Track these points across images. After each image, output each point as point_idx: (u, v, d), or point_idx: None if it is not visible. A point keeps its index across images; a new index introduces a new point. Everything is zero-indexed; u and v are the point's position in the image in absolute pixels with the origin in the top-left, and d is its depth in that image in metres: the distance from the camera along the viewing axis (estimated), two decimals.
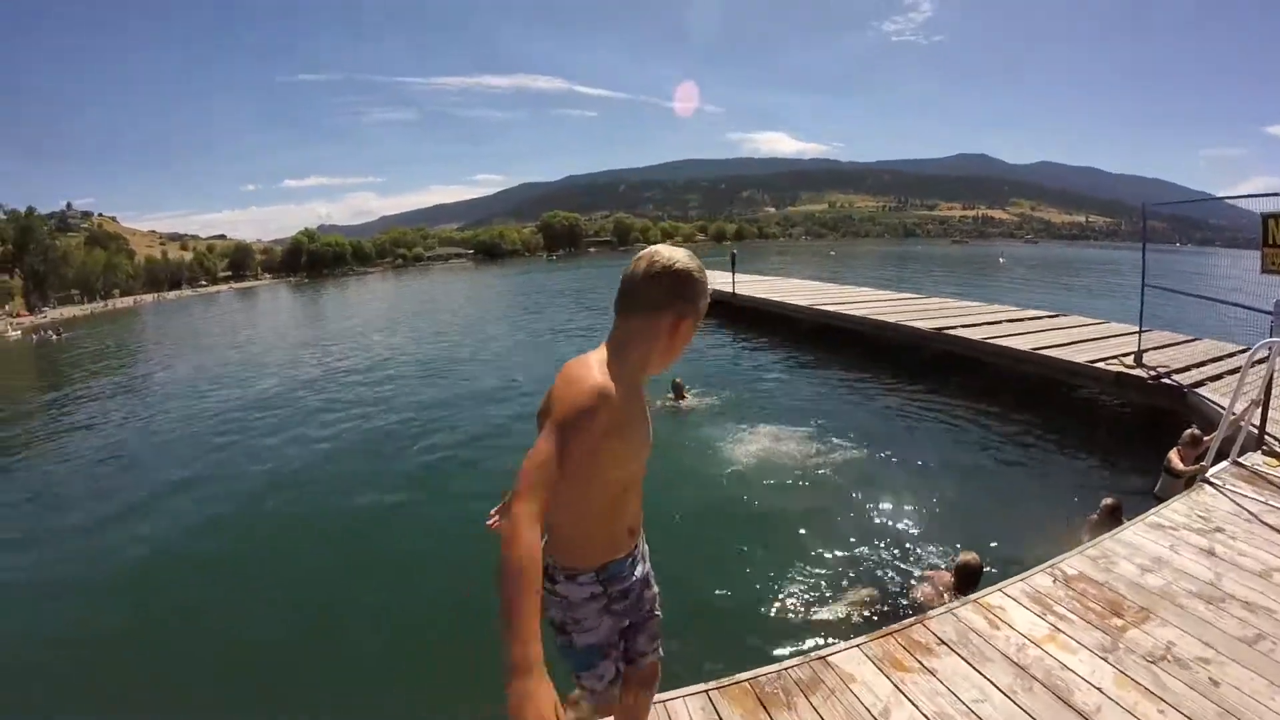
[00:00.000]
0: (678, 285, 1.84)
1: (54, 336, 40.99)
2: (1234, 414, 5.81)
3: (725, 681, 3.12)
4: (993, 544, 5.90)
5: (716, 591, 5.57)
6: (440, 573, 6.33)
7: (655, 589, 2.24)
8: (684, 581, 5.24)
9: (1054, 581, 3.94)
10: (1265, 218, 7.22)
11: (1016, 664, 3.19)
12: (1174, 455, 6.58)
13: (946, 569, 5.43)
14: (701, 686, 3.07)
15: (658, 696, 2.87)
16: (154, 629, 5.84)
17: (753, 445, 9.21)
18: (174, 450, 11.78)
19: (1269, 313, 7.20)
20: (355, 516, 8.10)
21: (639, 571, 2.12)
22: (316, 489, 9.27)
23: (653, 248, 1.90)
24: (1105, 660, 3.21)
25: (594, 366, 1.76)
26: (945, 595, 4.97)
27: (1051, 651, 3.28)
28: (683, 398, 11.19)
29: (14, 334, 48.31)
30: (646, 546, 2.23)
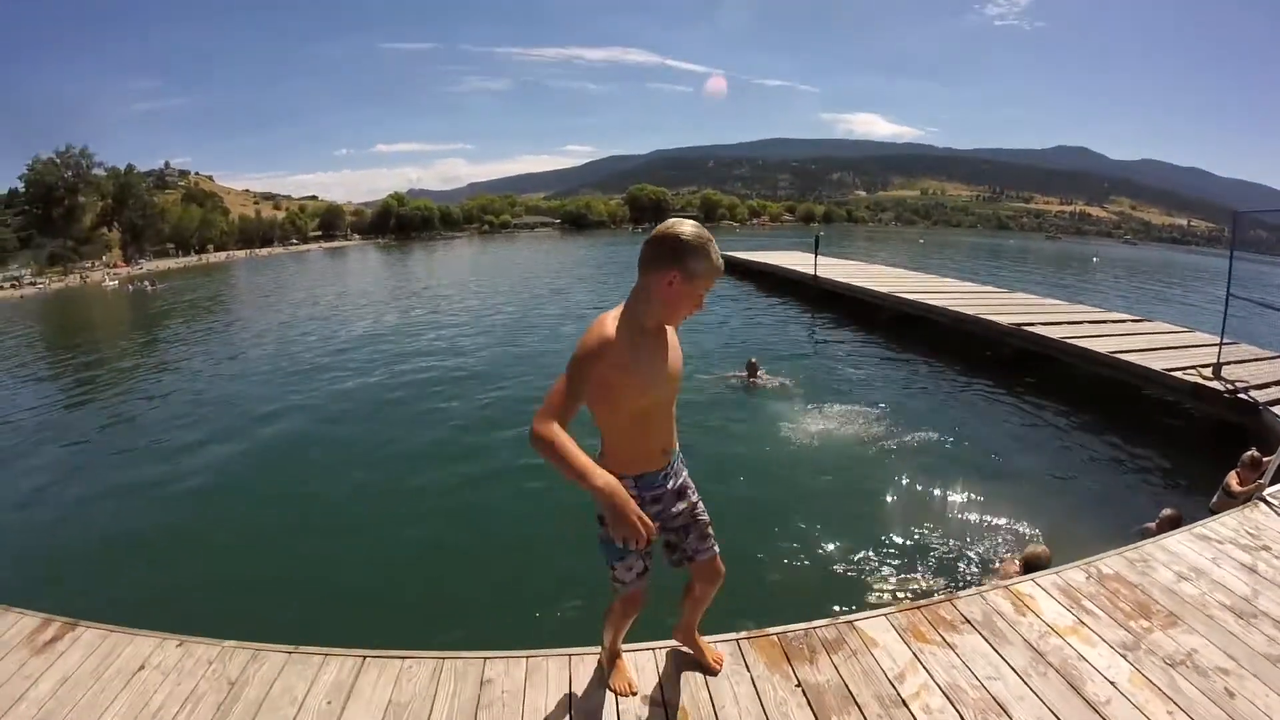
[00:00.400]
0: (669, 248, 2.24)
1: (149, 287, 43.24)
2: None
3: (755, 633, 3.42)
4: (1043, 540, 5.99)
5: (760, 553, 6.00)
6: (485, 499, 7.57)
7: (694, 499, 2.75)
8: (732, 538, 5.65)
9: (1088, 578, 4.05)
10: None
11: (1035, 649, 3.35)
12: (1232, 477, 6.42)
13: (1014, 558, 5.55)
14: (732, 635, 3.38)
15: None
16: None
17: (817, 424, 9.55)
18: (259, 388, 12.89)
19: None
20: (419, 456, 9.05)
21: (671, 485, 2.62)
22: (387, 426, 10.20)
23: (669, 220, 2.32)
24: (1124, 658, 3.31)
25: (607, 319, 2.27)
26: None
27: (1072, 642, 3.42)
28: (755, 377, 11.48)
29: (111, 284, 51.01)
30: (683, 466, 2.74)
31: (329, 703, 2.96)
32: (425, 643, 3.40)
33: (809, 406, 10.30)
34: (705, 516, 2.80)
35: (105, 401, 13.19)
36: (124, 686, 3.09)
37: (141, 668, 3.22)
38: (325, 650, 3.26)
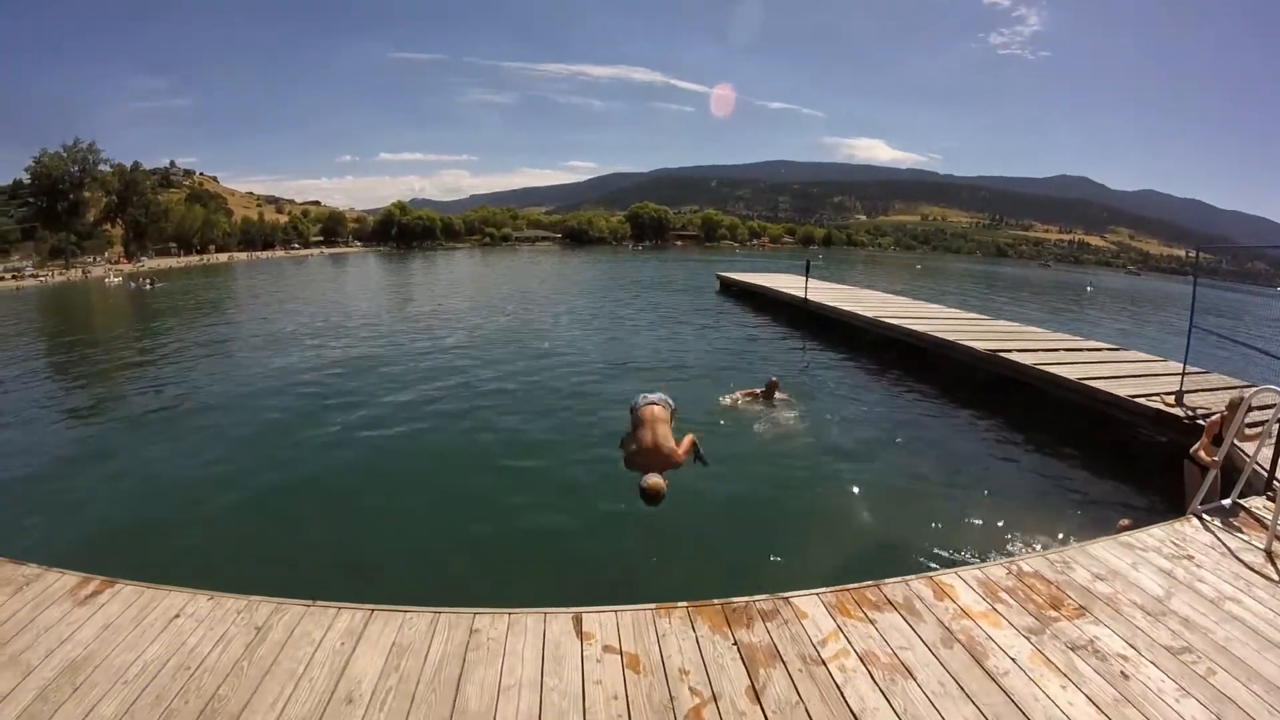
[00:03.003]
0: None
1: (148, 284, 43.70)
2: (1246, 454, 6.17)
3: (702, 602, 3.99)
4: (993, 548, 6.55)
5: (718, 537, 6.90)
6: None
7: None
8: (701, 523, 6.79)
9: (1007, 573, 4.55)
10: None
11: (946, 628, 3.87)
12: (1201, 448, 6.78)
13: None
14: (684, 603, 3.95)
15: (649, 606, 3.89)
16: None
17: (798, 435, 10.28)
18: (269, 369, 13.47)
19: None
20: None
21: None
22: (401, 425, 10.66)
23: None
24: (1028, 639, 3.79)
25: None
26: None
27: (982, 624, 3.92)
28: (772, 396, 11.92)
29: (115, 280, 51.50)
30: None
31: (342, 644, 3.53)
32: (424, 599, 3.96)
33: (796, 418, 10.93)
34: None
35: (126, 385, 13.98)
36: (162, 630, 3.63)
37: (177, 616, 3.76)
38: (339, 604, 3.84)
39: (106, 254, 77.02)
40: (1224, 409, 6.81)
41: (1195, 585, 4.55)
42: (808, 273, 24.48)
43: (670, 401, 5.18)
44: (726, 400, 11.88)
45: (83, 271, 61.17)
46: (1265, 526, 5.41)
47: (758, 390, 12.03)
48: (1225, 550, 5.13)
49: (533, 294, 34.90)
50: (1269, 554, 5.03)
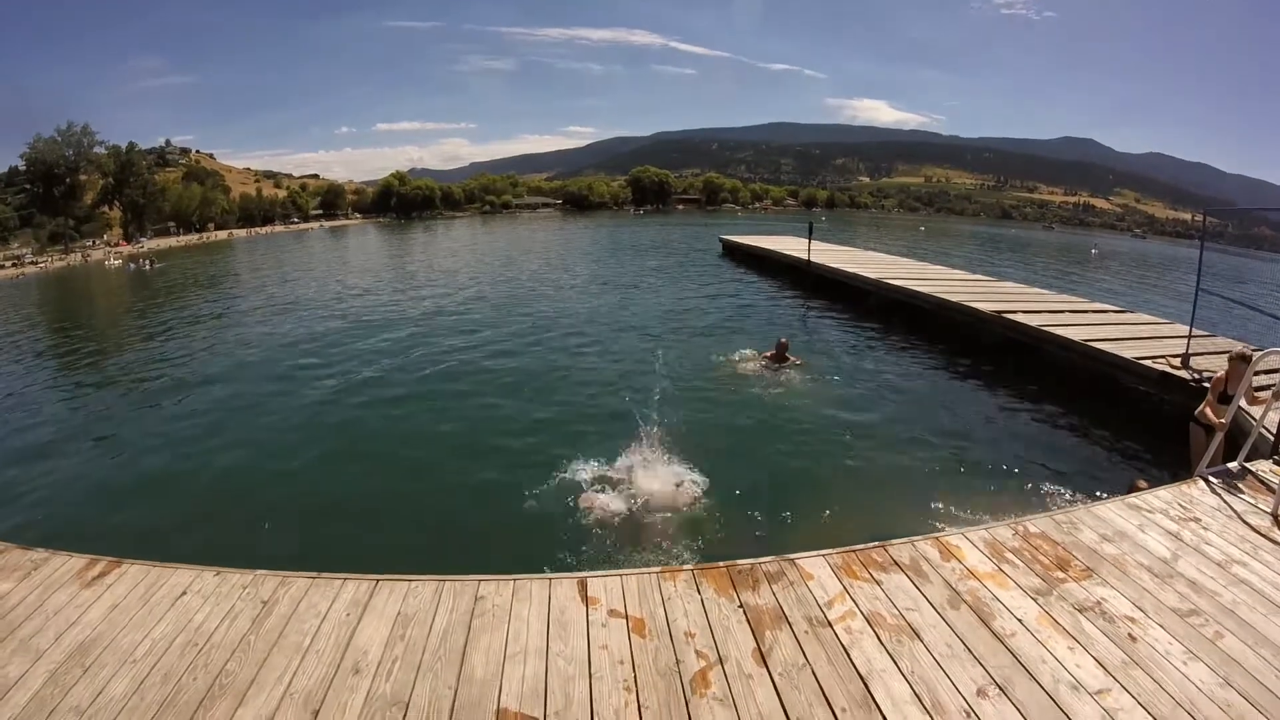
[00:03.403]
0: None
1: (149, 266, 43.53)
2: (1253, 417, 6.14)
3: (707, 565, 3.99)
4: (1000, 509, 6.52)
5: (727, 499, 6.81)
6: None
7: None
8: (717, 482, 6.68)
9: (1014, 534, 4.53)
10: None
11: (953, 588, 3.86)
12: (1208, 408, 6.76)
13: None
14: (689, 566, 3.96)
15: (655, 569, 3.87)
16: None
17: (809, 401, 10.23)
18: (270, 350, 13.61)
19: None
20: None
21: None
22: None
23: None
24: (1035, 600, 3.78)
25: None
26: None
27: (988, 585, 3.91)
28: (783, 359, 11.89)
29: (115, 263, 51.41)
30: None
31: (348, 614, 3.55)
32: (429, 568, 3.97)
33: (802, 380, 10.94)
34: None
35: (127, 367, 14.06)
36: (170, 608, 3.65)
37: (184, 593, 3.77)
38: (344, 575, 3.86)
39: (105, 237, 76.80)
40: (1228, 364, 6.75)
41: (1202, 548, 4.52)
42: (810, 235, 24.29)
43: None
44: (732, 359, 11.88)
45: (82, 256, 61.11)
46: (1272, 490, 5.37)
47: (768, 353, 12.02)
48: (1232, 513, 5.10)
49: (534, 261, 34.84)
50: (1275, 518, 4.99)
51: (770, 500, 6.65)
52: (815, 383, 10.92)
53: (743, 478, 7.28)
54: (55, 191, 75.95)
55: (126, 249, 65.99)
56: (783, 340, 12.08)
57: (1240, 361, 6.43)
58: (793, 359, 11.90)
